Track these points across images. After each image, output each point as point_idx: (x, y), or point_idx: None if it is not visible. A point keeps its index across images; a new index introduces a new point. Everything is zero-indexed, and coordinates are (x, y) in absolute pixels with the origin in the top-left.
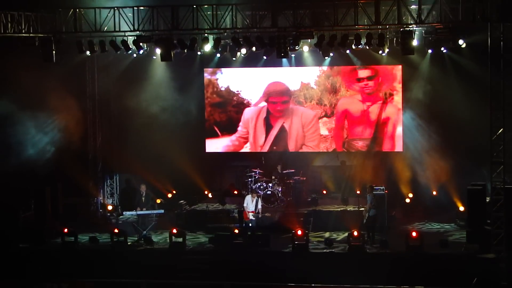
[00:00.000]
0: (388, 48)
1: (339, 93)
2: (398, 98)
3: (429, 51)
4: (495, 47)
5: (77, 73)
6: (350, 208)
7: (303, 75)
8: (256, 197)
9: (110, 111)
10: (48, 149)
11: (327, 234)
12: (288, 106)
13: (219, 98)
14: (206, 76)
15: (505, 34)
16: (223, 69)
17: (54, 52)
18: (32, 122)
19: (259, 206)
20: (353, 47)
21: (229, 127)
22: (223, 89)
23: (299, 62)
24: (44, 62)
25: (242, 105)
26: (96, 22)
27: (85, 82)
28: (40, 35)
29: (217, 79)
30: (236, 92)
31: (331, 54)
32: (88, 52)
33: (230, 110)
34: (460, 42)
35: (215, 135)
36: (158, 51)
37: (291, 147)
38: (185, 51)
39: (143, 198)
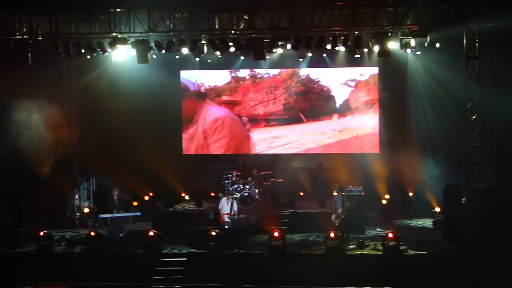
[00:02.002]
0: (364, 50)
1: None
2: (375, 99)
3: (409, 50)
4: (470, 48)
5: (53, 75)
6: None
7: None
8: (231, 199)
9: (87, 114)
10: (24, 151)
11: (303, 236)
12: None
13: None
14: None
15: (480, 36)
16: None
17: (30, 54)
18: (8, 124)
19: (235, 208)
20: (329, 48)
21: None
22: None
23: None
24: (20, 64)
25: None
26: (72, 25)
27: (61, 85)
28: (16, 37)
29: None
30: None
31: (310, 55)
32: (63, 55)
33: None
34: (437, 45)
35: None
36: (134, 53)
37: None
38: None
39: (116, 202)
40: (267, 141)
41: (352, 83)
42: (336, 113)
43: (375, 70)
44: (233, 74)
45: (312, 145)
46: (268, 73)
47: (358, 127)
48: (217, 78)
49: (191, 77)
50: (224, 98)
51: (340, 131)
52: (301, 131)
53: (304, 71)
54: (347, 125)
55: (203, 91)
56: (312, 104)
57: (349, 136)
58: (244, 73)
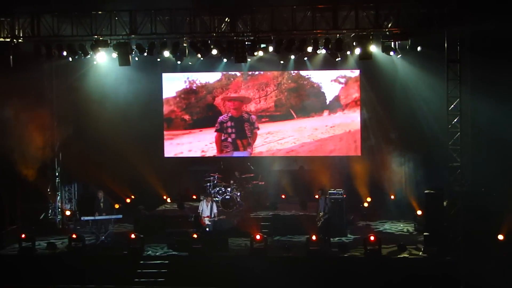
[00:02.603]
0: (345, 53)
1: None
2: (356, 102)
3: (390, 53)
4: (451, 51)
5: (34, 78)
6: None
7: None
8: (210, 201)
9: (68, 117)
10: (6, 154)
11: (285, 239)
12: None
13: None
14: None
15: (461, 39)
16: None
17: (11, 56)
18: None
19: (215, 210)
20: (310, 51)
21: None
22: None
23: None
24: (1, 67)
25: None
26: (54, 27)
27: (43, 88)
28: None
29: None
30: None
31: (293, 57)
32: (45, 57)
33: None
34: (418, 48)
35: None
36: (115, 55)
37: None
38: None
39: (102, 204)
40: (262, 136)
41: (343, 80)
42: (326, 110)
43: (356, 72)
44: (224, 72)
45: (307, 139)
46: (260, 71)
47: (349, 123)
48: (208, 75)
49: (183, 76)
50: (233, 95)
51: (332, 127)
52: (293, 127)
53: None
54: (338, 121)
55: (194, 88)
56: (303, 101)
57: (342, 131)
58: (237, 70)
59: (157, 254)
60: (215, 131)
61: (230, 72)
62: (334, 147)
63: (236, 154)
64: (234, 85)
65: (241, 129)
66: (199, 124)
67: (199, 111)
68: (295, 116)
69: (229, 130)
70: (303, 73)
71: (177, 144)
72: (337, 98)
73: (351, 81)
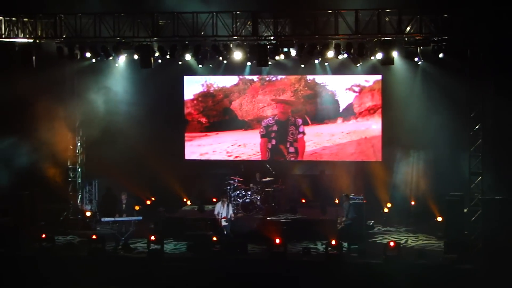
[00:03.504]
0: (371, 58)
1: None
2: (378, 105)
3: (416, 59)
4: (474, 58)
5: (57, 79)
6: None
7: None
8: (226, 202)
9: (90, 118)
10: (27, 155)
11: (304, 243)
12: None
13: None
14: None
15: (484, 45)
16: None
17: (34, 57)
18: (10, 126)
19: (231, 212)
20: (329, 56)
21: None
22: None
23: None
24: (23, 68)
25: None
26: (76, 28)
27: (65, 89)
28: (20, 40)
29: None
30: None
31: (316, 61)
32: (68, 58)
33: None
34: (440, 54)
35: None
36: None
37: None
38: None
39: (124, 206)
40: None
41: (357, 89)
42: (340, 117)
43: (378, 77)
44: (240, 76)
45: (327, 144)
46: (276, 76)
47: (364, 131)
48: (225, 79)
49: (201, 79)
50: (282, 97)
51: (348, 133)
52: (310, 132)
53: (311, 75)
54: (353, 128)
55: (212, 91)
56: (318, 108)
57: (358, 137)
58: (252, 75)
59: (177, 256)
60: (261, 136)
61: (246, 77)
62: (354, 151)
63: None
64: (251, 90)
65: (285, 134)
66: (216, 127)
67: (216, 114)
68: (309, 122)
69: (273, 135)
70: (318, 80)
71: (197, 146)
72: (350, 106)
73: (365, 90)
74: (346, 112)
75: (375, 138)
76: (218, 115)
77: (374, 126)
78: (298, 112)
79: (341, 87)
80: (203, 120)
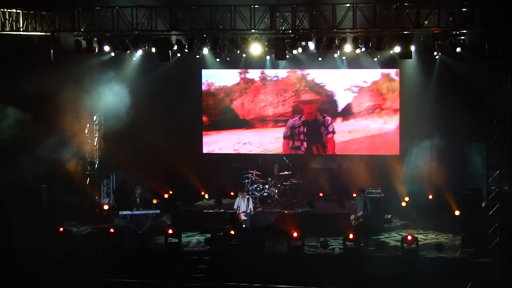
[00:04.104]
0: (390, 52)
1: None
2: (395, 101)
3: (434, 53)
4: (492, 52)
5: (74, 73)
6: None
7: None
8: (246, 196)
9: (108, 112)
10: (45, 148)
11: (322, 237)
12: None
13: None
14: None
15: (503, 39)
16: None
17: (52, 51)
18: (28, 119)
19: (251, 206)
20: (347, 50)
21: None
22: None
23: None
24: (41, 61)
25: None
26: (95, 22)
27: (82, 82)
28: (38, 33)
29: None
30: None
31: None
32: (86, 52)
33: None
34: (458, 49)
35: None
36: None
37: None
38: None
39: (138, 199)
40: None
41: (356, 89)
42: (340, 117)
43: (376, 77)
44: (242, 76)
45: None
46: (277, 76)
47: (364, 129)
48: (226, 78)
49: (205, 76)
50: (307, 98)
51: (349, 132)
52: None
53: (311, 76)
54: (353, 127)
55: (213, 90)
56: (318, 107)
57: (360, 136)
58: (253, 75)
59: (194, 249)
60: (284, 137)
61: (248, 77)
62: (366, 144)
63: None
64: (253, 89)
65: (315, 134)
66: (216, 126)
67: (217, 113)
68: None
69: (302, 137)
70: (318, 80)
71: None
72: (349, 106)
73: (363, 91)
74: (345, 112)
75: (380, 136)
76: (219, 114)
77: (372, 125)
78: (270, 112)
79: (340, 87)
80: (204, 119)
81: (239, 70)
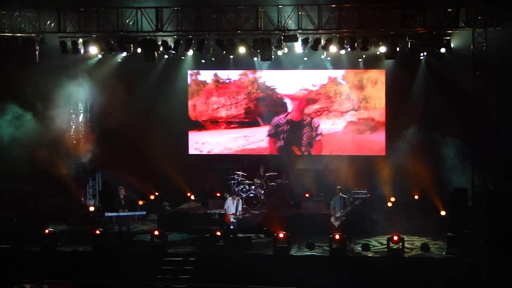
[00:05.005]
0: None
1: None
2: (381, 101)
3: (420, 53)
4: (478, 53)
5: (59, 73)
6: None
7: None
8: (236, 199)
9: (93, 112)
10: (30, 150)
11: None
12: None
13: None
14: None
15: (488, 39)
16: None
17: (37, 52)
18: (13, 121)
19: (240, 208)
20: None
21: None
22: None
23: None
24: (27, 62)
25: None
26: (80, 23)
27: (68, 83)
28: (23, 35)
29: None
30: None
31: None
32: (72, 53)
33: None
34: (442, 50)
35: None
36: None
37: None
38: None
39: (122, 201)
40: (242, 139)
41: (305, 92)
42: (267, 131)
43: (325, 80)
44: (193, 78)
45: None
46: (230, 79)
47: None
48: (179, 81)
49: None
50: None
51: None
52: (263, 133)
53: (262, 79)
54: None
55: None
56: (269, 110)
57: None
58: (205, 77)
59: (181, 251)
60: (268, 135)
61: (200, 79)
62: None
63: None
64: (205, 91)
65: (299, 135)
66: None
67: None
68: (261, 123)
69: (283, 136)
70: (269, 83)
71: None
72: (298, 108)
73: (312, 94)
74: (294, 114)
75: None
76: None
77: (323, 126)
78: (223, 114)
79: (290, 90)
80: None
81: (190, 72)
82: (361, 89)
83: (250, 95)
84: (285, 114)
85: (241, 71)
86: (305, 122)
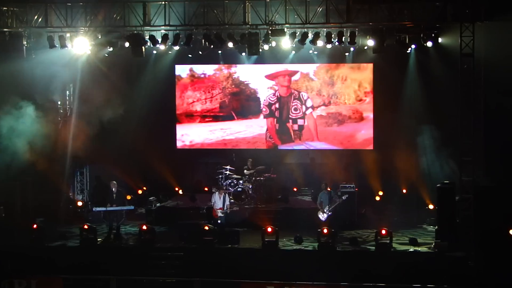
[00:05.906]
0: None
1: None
2: (369, 96)
3: (413, 46)
4: (465, 45)
5: (46, 67)
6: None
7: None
8: (223, 194)
9: (80, 107)
10: (17, 145)
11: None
12: None
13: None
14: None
15: (475, 33)
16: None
17: (25, 47)
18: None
19: (227, 203)
20: (321, 44)
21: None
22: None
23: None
24: (14, 56)
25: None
26: (67, 18)
27: (56, 78)
28: (10, 30)
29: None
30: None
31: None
32: (60, 48)
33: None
34: (429, 43)
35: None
36: (127, 45)
37: None
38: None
39: (114, 195)
40: (219, 131)
41: (277, 87)
42: (262, 113)
43: (297, 76)
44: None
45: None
46: (205, 73)
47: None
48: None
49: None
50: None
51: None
52: (239, 125)
53: (237, 74)
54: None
55: None
56: (242, 104)
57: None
58: (180, 71)
59: (168, 245)
60: (265, 117)
61: (176, 73)
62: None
63: (286, 146)
64: (180, 86)
65: (288, 110)
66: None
67: None
68: (235, 118)
69: (277, 114)
70: (243, 78)
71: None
72: (271, 104)
73: (282, 90)
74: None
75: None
76: None
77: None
78: (198, 108)
79: (264, 85)
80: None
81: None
82: (332, 85)
83: (225, 90)
84: (274, 92)
85: (216, 66)
86: (294, 95)
